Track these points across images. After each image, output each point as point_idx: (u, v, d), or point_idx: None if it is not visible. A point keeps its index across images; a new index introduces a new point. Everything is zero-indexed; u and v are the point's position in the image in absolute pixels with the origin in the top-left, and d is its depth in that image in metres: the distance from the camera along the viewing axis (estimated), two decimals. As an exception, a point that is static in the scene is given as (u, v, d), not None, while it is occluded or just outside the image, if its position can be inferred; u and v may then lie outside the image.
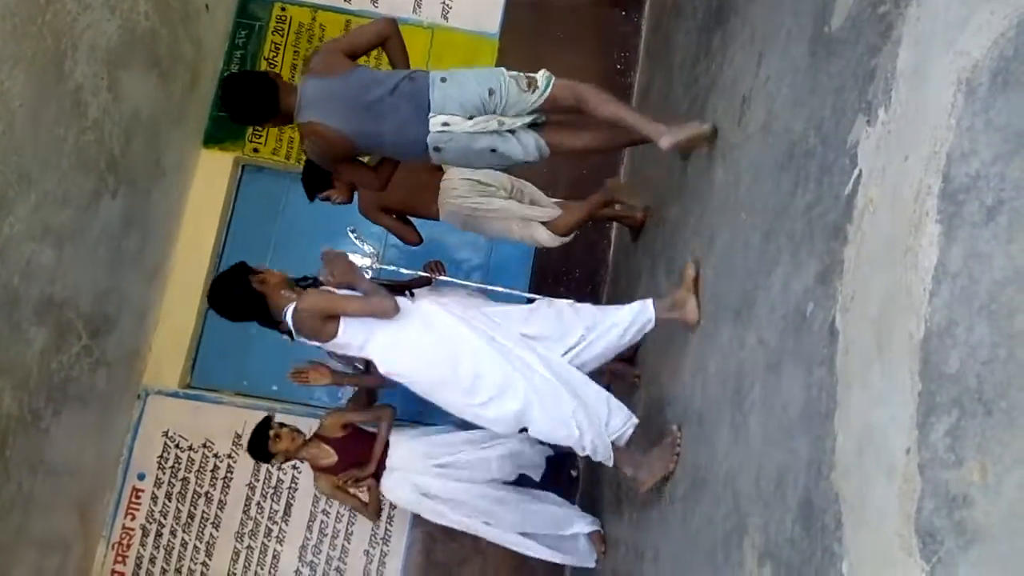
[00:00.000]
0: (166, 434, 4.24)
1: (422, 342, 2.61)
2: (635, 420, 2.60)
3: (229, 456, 4.23)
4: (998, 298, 1.03)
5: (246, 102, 2.86)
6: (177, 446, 4.24)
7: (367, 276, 2.90)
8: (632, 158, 4.27)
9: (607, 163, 4.37)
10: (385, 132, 2.75)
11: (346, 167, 3.00)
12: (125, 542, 4.17)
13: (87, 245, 3.50)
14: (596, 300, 4.33)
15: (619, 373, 3.32)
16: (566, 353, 2.62)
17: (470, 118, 2.69)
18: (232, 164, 4.50)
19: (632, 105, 2.76)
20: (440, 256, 3.85)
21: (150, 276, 4.18)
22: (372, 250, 3.35)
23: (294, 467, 4.18)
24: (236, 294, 2.69)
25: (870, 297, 1.37)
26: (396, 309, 2.54)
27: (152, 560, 4.16)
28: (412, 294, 3.00)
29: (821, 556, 1.40)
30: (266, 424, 3.57)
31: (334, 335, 2.58)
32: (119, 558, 4.15)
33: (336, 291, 2.65)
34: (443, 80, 2.71)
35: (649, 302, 2.63)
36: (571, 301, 2.78)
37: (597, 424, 2.54)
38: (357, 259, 3.26)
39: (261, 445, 3.53)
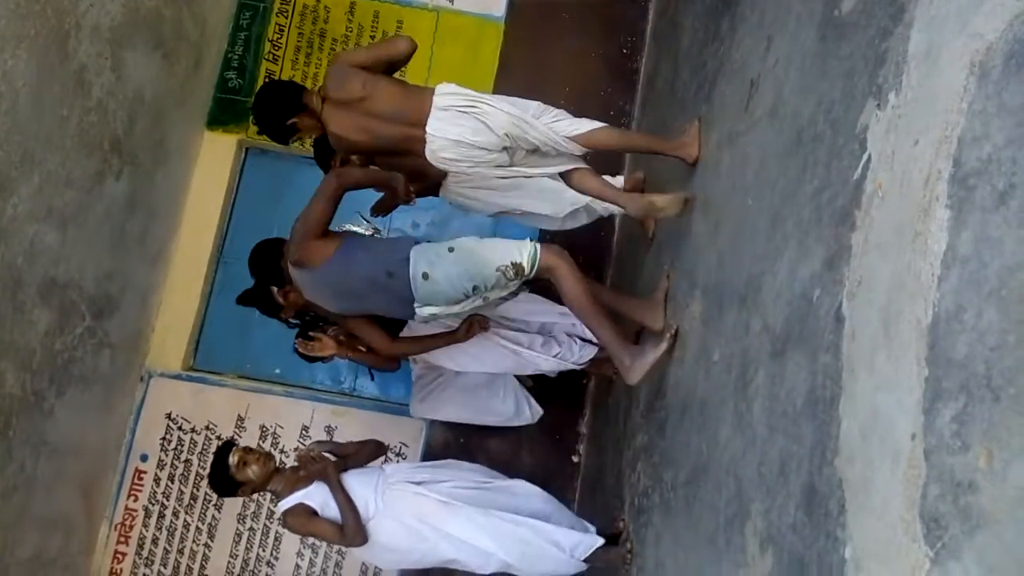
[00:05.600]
0: (169, 416, 4.25)
1: (391, 555, 2.95)
2: (597, 541, 2.87)
3: (232, 438, 4.24)
4: (1008, 283, 1.02)
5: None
6: (180, 428, 4.25)
7: None
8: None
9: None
10: (374, 308, 2.90)
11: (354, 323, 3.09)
12: (128, 523, 4.19)
13: (91, 226, 3.50)
14: (600, 279, 4.33)
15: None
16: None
17: (457, 302, 2.77)
18: (236, 146, 4.48)
19: (606, 320, 2.73)
20: (443, 235, 3.80)
21: (153, 258, 4.18)
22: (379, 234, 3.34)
23: (296, 450, 4.19)
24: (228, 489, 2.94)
25: (878, 283, 1.36)
26: (364, 540, 2.81)
27: (155, 541, 4.18)
28: None
29: (824, 542, 1.40)
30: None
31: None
32: (122, 539, 4.18)
33: (316, 508, 2.83)
34: (425, 277, 2.69)
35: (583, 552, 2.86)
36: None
37: (561, 563, 2.85)
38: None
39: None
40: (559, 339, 3.29)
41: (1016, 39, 1.08)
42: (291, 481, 2.89)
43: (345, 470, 2.91)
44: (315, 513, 2.80)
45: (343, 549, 4.16)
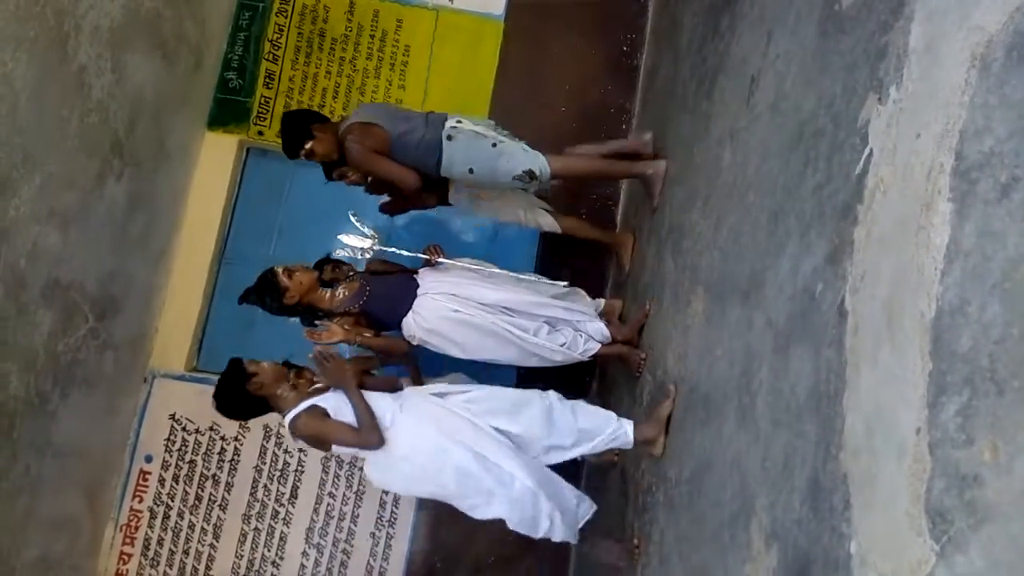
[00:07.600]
0: (173, 417, 4.26)
1: (409, 467, 2.82)
2: (594, 507, 2.97)
3: (236, 439, 4.24)
4: (1011, 276, 1.02)
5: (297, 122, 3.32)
6: (184, 429, 4.26)
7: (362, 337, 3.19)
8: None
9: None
10: (412, 135, 3.25)
11: (384, 161, 3.28)
12: (133, 524, 4.19)
13: (93, 227, 3.50)
14: (601, 285, 4.32)
15: (624, 356, 3.31)
16: (549, 452, 2.88)
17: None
18: (237, 147, 4.48)
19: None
20: (444, 238, 3.84)
21: (156, 259, 4.18)
22: (372, 233, 3.36)
23: (301, 450, 4.19)
24: (237, 401, 2.91)
25: (880, 277, 1.36)
26: (382, 442, 2.75)
27: (160, 542, 4.19)
28: (418, 272, 3.38)
29: (829, 537, 1.39)
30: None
31: (328, 449, 2.89)
32: (127, 540, 4.18)
33: (329, 411, 2.77)
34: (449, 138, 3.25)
35: (630, 426, 2.83)
36: (558, 396, 2.95)
37: (569, 516, 2.88)
38: (357, 241, 3.29)
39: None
40: (564, 332, 3.30)
41: (1017, 31, 1.08)
42: (303, 390, 2.85)
43: (362, 387, 2.85)
44: (327, 416, 2.73)
45: (348, 548, 4.17)
